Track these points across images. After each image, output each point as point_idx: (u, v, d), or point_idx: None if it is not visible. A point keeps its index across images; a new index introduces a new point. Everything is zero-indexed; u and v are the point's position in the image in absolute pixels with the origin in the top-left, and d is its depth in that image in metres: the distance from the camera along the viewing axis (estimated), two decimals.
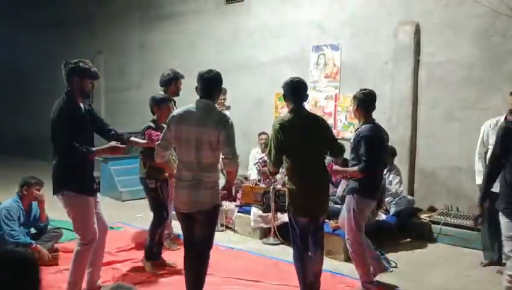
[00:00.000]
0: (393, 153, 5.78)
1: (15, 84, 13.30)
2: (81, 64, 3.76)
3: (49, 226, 5.32)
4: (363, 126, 4.12)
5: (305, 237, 3.91)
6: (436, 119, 6.30)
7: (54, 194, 3.85)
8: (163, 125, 4.75)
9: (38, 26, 12.21)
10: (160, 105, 4.83)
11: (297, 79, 4.01)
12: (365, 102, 4.16)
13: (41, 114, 11.41)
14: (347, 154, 4.45)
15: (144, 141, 4.23)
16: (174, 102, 5.23)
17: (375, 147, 4.01)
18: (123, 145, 3.89)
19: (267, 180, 5.74)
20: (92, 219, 3.87)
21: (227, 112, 7.48)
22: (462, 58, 6.03)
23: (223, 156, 3.58)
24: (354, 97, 4.24)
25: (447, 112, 6.19)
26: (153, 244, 4.85)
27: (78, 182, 3.78)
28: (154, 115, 4.89)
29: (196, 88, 3.75)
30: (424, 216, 6.06)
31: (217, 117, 3.57)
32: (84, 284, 4.08)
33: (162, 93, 5.26)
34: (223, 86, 7.68)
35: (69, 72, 3.76)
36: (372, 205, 4.22)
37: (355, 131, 4.24)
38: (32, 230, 5.24)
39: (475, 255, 5.29)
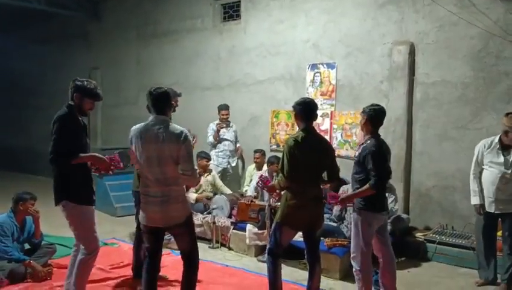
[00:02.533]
0: None
1: (8, 96, 13.33)
2: (85, 82, 3.88)
3: (43, 242, 5.28)
4: (369, 142, 4.14)
5: (284, 247, 4.19)
6: (430, 138, 6.35)
7: (55, 204, 3.87)
8: None
9: (37, 40, 12.28)
10: None
11: (309, 100, 4.21)
12: (374, 118, 4.17)
13: (34, 128, 11.52)
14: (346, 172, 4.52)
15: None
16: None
17: (381, 162, 4.04)
18: (102, 157, 3.90)
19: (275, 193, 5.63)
20: (93, 229, 3.92)
21: (229, 129, 7.64)
22: (457, 79, 6.10)
23: (181, 172, 3.62)
24: (363, 112, 4.23)
25: (442, 132, 6.25)
26: (138, 261, 4.82)
27: (76, 192, 3.82)
28: None
29: (147, 106, 3.78)
30: (419, 235, 6.06)
31: (176, 132, 3.59)
32: None
33: None
34: (225, 102, 7.96)
35: (73, 88, 3.88)
36: (380, 220, 4.19)
37: (361, 146, 4.22)
38: (26, 246, 5.20)
39: (470, 275, 5.28)
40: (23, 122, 12.83)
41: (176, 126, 3.65)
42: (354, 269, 4.24)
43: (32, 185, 7.58)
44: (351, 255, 4.25)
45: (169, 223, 3.64)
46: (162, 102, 3.68)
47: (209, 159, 7.15)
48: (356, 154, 4.24)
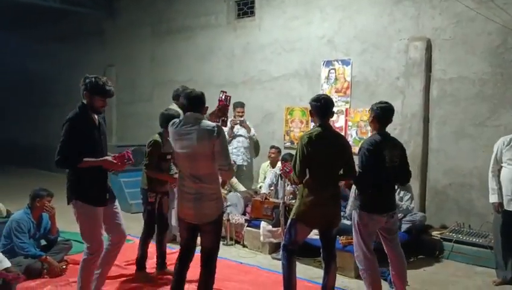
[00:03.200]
0: None
1: (26, 94, 13.50)
2: (94, 80, 3.76)
3: (59, 238, 5.34)
4: (367, 138, 4.11)
5: (299, 244, 4.15)
6: (447, 135, 6.27)
7: (67, 203, 3.87)
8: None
9: (52, 38, 12.40)
10: None
11: (325, 96, 4.14)
12: (380, 116, 4.14)
13: (50, 125, 11.62)
14: None
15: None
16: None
17: (371, 160, 3.98)
18: (109, 158, 3.81)
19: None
20: (98, 230, 3.87)
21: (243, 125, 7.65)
22: (474, 75, 6.01)
23: (218, 168, 3.63)
24: (371, 109, 4.22)
25: (459, 129, 6.16)
26: (143, 255, 4.94)
27: (84, 192, 3.80)
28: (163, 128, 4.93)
29: (183, 105, 3.82)
30: (435, 233, 5.99)
31: (208, 128, 3.60)
32: None
33: (172, 107, 5.36)
34: (239, 99, 7.99)
35: (83, 86, 3.80)
36: (379, 221, 4.11)
37: None
38: (42, 242, 5.26)
39: (487, 274, 5.21)
40: (40, 120, 12.98)
41: (208, 122, 3.67)
42: (359, 269, 4.20)
43: (48, 181, 7.64)
44: (355, 255, 4.21)
45: (202, 220, 3.66)
46: (197, 102, 3.74)
47: None
48: None
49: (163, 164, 4.86)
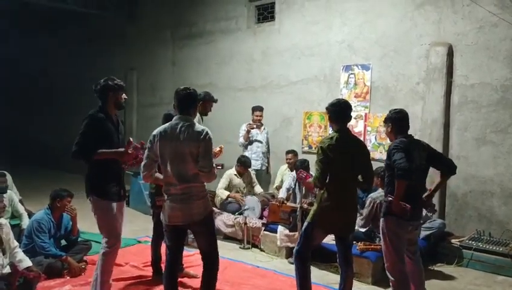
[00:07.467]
0: None
1: (48, 96, 13.74)
2: (110, 81, 4.03)
3: (79, 239, 5.42)
4: (396, 140, 4.01)
5: (313, 249, 4.15)
6: (468, 142, 6.19)
7: (87, 197, 4.03)
8: None
9: (75, 41, 12.59)
10: None
11: (343, 101, 4.13)
12: (397, 121, 4.07)
13: (71, 126, 11.80)
14: None
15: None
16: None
17: (404, 155, 3.81)
18: (122, 149, 3.90)
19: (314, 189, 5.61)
20: (115, 224, 4.03)
21: (262, 131, 7.66)
22: (496, 81, 5.93)
23: (199, 169, 3.62)
24: (386, 119, 4.15)
25: (480, 135, 6.08)
26: (157, 259, 4.99)
27: (100, 187, 3.95)
28: None
29: (174, 105, 3.83)
30: (454, 241, 5.91)
31: (198, 130, 3.64)
32: None
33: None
34: (258, 103, 7.99)
35: (103, 89, 4.01)
36: (408, 228, 3.99)
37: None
38: (63, 242, 5.34)
39: (508, 283, 5.13)
40: (62, 121, 13.17)
41: (198, 125, 3.71)
42: (390, 280, 4.04)
43: (69, 182, 7.76)
44: (385, 265, 4.08)
45: (189, 220, 3.66)
46: (187, 102, 3.75)
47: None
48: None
49: None
